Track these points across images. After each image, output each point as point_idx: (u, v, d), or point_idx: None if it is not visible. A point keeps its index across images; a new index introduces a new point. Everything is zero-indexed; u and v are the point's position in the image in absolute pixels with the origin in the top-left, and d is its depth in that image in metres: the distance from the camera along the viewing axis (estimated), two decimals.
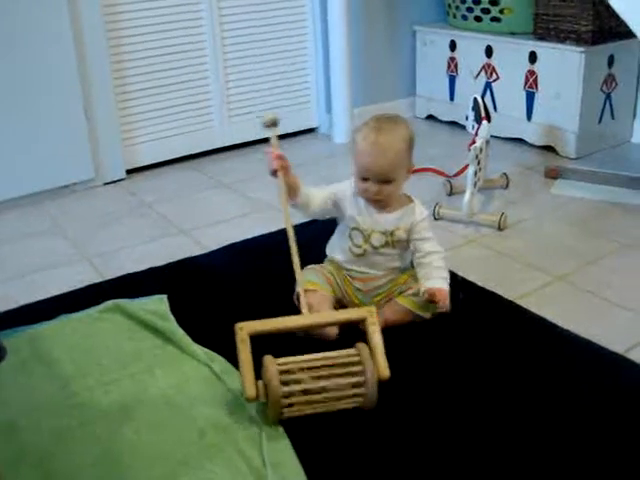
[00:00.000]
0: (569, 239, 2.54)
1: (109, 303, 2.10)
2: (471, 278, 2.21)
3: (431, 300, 1.90)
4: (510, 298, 2.14)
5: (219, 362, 1.83)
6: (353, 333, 1.78)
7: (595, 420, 1.62)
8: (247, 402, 1.60)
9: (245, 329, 1.64)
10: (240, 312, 2.08)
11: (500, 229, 2.61)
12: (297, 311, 1.98)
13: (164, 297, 2.13)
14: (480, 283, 2.21)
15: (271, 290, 2.20)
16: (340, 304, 2.01)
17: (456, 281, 2.10)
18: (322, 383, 1.59)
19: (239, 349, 1.61)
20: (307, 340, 1.83)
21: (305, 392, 1.58)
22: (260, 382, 1.59)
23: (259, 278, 2.30)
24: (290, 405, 1.57)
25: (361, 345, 1.65)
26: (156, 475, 1.49)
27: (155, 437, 1.59)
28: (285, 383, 1.57)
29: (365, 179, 1.90)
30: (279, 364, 1.59)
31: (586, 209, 2.79)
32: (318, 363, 1.62)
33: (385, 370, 1.62)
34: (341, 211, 2.00)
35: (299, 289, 1.82)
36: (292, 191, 1.93)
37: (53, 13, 2.88)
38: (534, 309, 2.08)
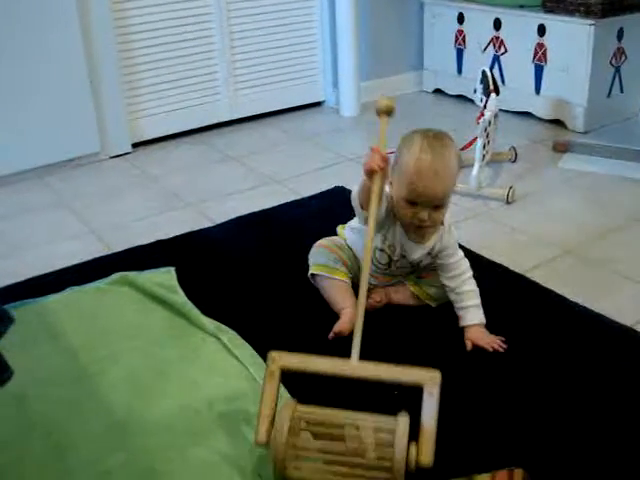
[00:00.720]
0: (577, 213, 2.53)
1: (117, 275, 2.10)
2: (479, 252, 2.21)
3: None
4: (518, 271, 2.14)
5: (227, 334, 1.83)
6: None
7: (604, 393, 1.62)
8: (257, 447, 1.38)
9: (278, 361, 1.39)
10: (248, 285, 2.09)
11: (508, 202, 2.60)
12: (307, 287, 1.99)
13: (172, 269, 2.13)
14: (488, 256, 2.21)
15: (279, 263, 2.20)
16: (352, 283, 1.95)
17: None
18: (340, 450, 1.33)
19: (265, 382, 1.38)
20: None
21: (318, 455, 1.34)
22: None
23: (266, 251, 2.30)
24: (298, 465, 1.33)
25: (403, 418, 1.32)
26: (165, 445, 1.49)
27: (164, 407, 1.59)
28: (297, 440, 1.34)
29: (413, 203, 1.72)
30: (296, 415, 1.35)
31: (594, 183, 2.78)
32: (344, 425, 1.34)
33: (427, 456, 1.28)
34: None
35: (356, 332, 1.46)
36: (380, 198, 1.65)
37: None
38: (542, 282, 2.07)
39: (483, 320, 1.84)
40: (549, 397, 1.61)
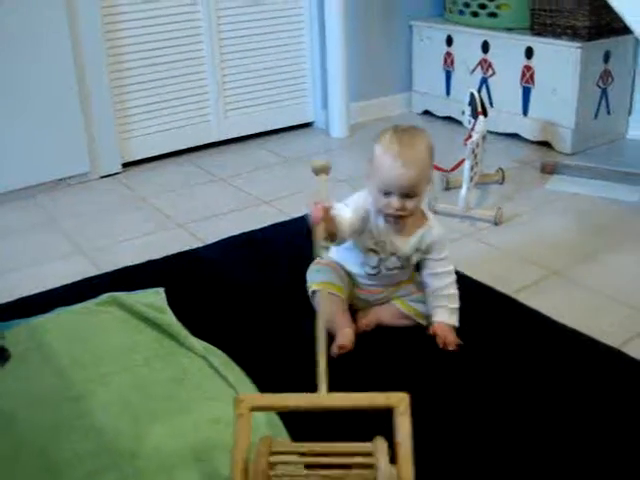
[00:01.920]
0: (565, 234, 2.55)
1: (106, 296, 2.09)
2: (467, 273, 2.22)
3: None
4: (506, 292, 2.15)
5: (217, 355, 1.82)
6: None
7: (590, 415, 1.63)
8: None
9: (246, 403, 1.35)
10: (237, 306, 2.10)
11: (496, 224, 2.61)
12: (297, 308, 1.99)
13: (161, 290, 2.13)
14: (476, 277, 2.22)
15: (268, 284, 2.21)
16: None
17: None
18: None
19: (236, 424, 1.34)
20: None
21: None
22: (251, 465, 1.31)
23: (256, 272, 2.30)
24: None
25: (380, 442, 1.32)
26: (154, 467, 1.48)
27: (152, 430, 1.59)
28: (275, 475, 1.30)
29: (387, 193, 1.80)
30: (271, 451, 1.32)
31: (582, 204, 2.80)
32: (322, 454, 1.33)
33: (407, 473, 1.27)
34: (364, 227, 1.89)
35: (321, 364, 1.45)
36: (332, 235, 1.77)
37: (50, 6, 2.87)
38: (530, 303, 2.09)
39: (455, 324, 1.91)
40: (535, 419, 1.62)
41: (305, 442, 1.36)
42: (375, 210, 1.86)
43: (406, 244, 1.90)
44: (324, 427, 1.50)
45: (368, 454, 1.31)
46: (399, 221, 1.86)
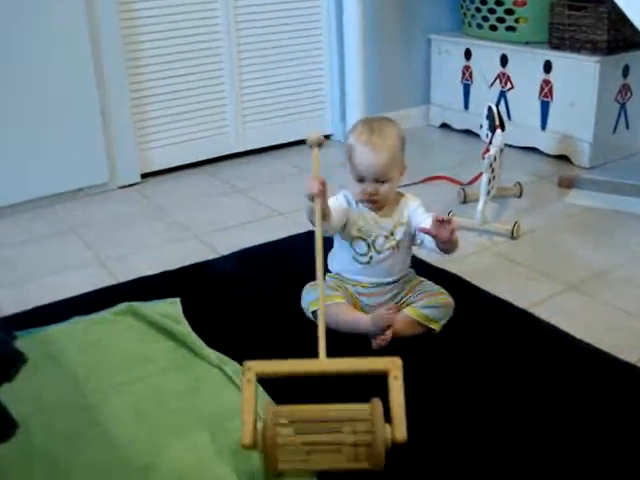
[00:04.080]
0: (582, 248, 2.54)
1: (122, 305, 2.11)
2: (483, 286, 2.21)
3: (438, 224, 1.84)
4: (522, 307, 2.14)
5: (231, 365, 1.83)
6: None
7: (608, 431, 1.62)
8: (244, 449, 1.44)
9: (253, 369, 1.47)
10: (252, 317, 2.10)
11: (513, 238, 2.60)
12: (308, 320, 2.00)
13: (177, 300, 2.14)
14: (492, 291, 2.21)
15: (283, 295, 2.21)
16: None
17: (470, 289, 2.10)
18: (323, 437, 1.44)
19: (244, 389, 1.46)
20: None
21: (304, 445, 1.44)
22: (260, 428, 1.46)
23: (271, 283, 2.30)
24: (287, 458, 1.44)
25: (376, 401, 1.47)
26: (167, 476, 1.49)
27: (167, 439, 1.59)
28: (282, 433, 1.43)
29: (361, 180, 1.92)
30: (278, 413, 1.47)
31: (600, 219, 2.78)
32: (323, 415, 1.47)
33: (401, 432, 1.41)
34: (345, 219, 1.99)
35: (321, 332, 1.58)
36: (325, 216, 1.84)
37: (70, 17, 2.90)
38: (546, 318, 2.07)
39: None
40: (551, 435, 1.61)
41: (305, 405, 1.49)
42: (356, 200, 1.97)
43: (390, 221, 1.98)
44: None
45: (365, 415, 1.45)
46: (376, 206, 1.96)
